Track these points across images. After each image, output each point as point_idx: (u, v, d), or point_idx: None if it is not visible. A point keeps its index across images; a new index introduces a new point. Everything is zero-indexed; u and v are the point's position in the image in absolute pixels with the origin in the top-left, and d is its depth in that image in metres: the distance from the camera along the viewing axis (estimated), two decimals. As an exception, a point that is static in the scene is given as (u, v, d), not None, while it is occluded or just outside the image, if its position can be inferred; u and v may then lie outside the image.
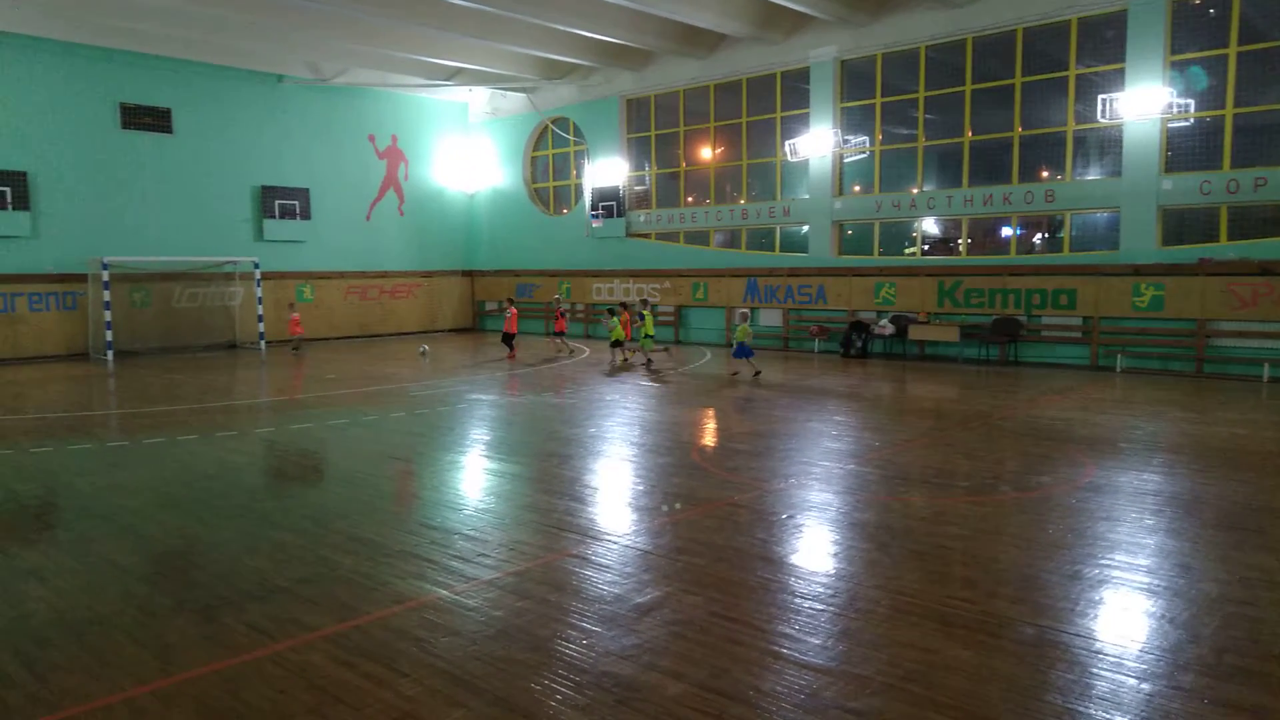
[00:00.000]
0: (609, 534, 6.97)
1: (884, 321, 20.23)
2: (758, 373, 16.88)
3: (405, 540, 6.85)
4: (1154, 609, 5.38)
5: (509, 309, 21.43)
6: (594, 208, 26.14)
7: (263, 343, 24.31)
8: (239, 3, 19.31)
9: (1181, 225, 17.15)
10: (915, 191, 20.48)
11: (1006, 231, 19.95)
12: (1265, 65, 15.84)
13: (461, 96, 29.40)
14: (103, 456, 10.27)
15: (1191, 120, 16.73)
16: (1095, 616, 5.33)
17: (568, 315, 19.99)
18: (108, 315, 21.62)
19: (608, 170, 25.97)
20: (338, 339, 26.24)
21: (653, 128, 25.39)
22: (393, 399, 14.46)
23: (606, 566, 6.18)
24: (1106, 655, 4.71)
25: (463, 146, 29.91)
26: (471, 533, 7.02)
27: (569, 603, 5.53)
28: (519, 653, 4.78)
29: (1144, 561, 6.22)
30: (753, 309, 23.08)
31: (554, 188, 28.62)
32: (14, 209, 20.84)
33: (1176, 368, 16.86)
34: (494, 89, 28.00)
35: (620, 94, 25.54)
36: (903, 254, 21.28)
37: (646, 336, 18.90)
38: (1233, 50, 15.93)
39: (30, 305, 21.48)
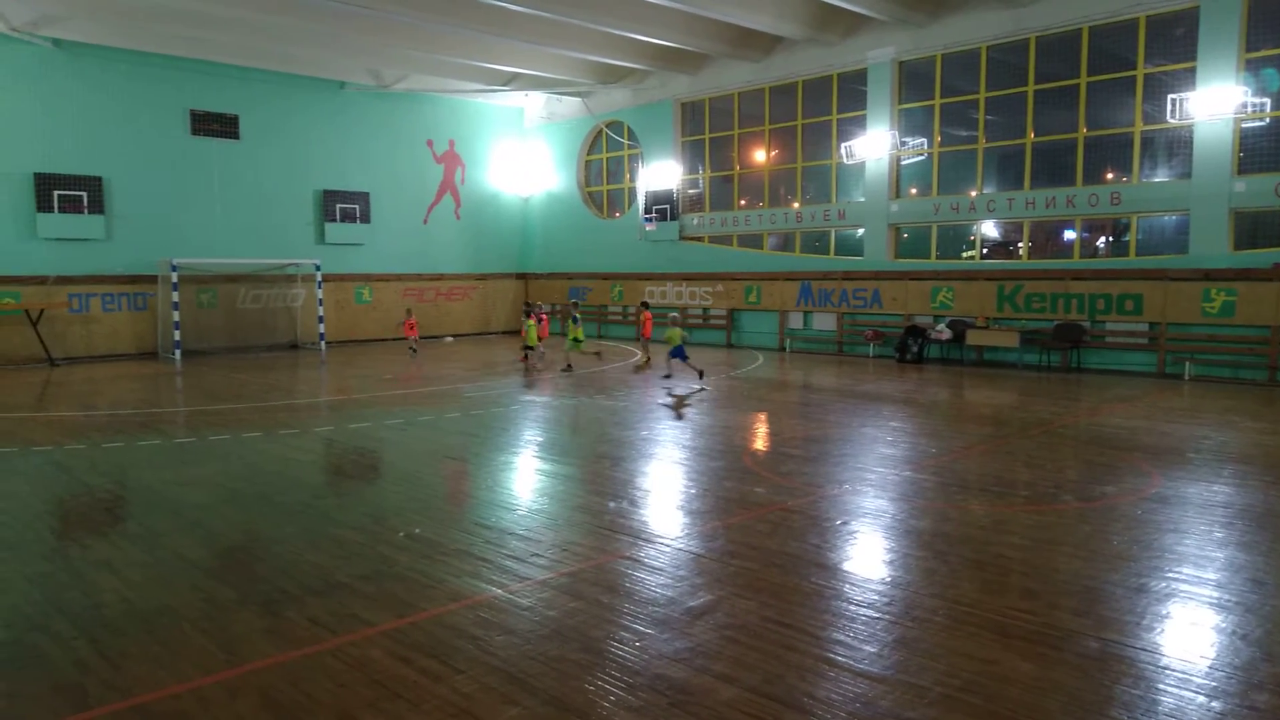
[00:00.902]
0: (661, 537, 6.98)
1: (941, 326, 19.89)
2: (700, 373, 16.68)
3: (461, 539, 6.94)
4: (1224, 624, 5.21)
5: (539, 316, 20.15)
6: (647, 211, 26.20)
7: (323, 343, 24.85)
8: (303, 12, 19.81)
9: (1255, 228, 16.55)
10: (974, 194, 20.10)
11: (1069, 235, 19.47)
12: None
13: (517, 101, 29.74)
14: (171, 452, 10.60)
15: (1267, 120, 16.14)
16: (1162, 631, 5.17)
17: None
18: (176, 315, 22.31)
19: (661, 174, 26.01)
20: (395, 340, 26.70)
21: (707, 130, 25.36)
22: (448, 400, 14.67)
23: (659, 569, 6.19)
24: (1173, 671, 4.57)
25: (518, 151, 30.24)
26: (525, 533, 7.09)
27: (621, 604, 5.56)
28: (572, 653, 4.82)
29: (1213, 575, 6.02)
30: (806, 312, 22.91)
31: (607, 191, 28.75)
32: (89, 213, 21.64)
33: (1248, 376, 16.27)
34: (549, 94, 28.27)
35: (674, 97, 25.57)
36: (961, 257, 20.90)
37: (574, 340, 18.52)
38: (1312, 46, 15.34)
39: (103, 306, 22.28)
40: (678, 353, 16.26)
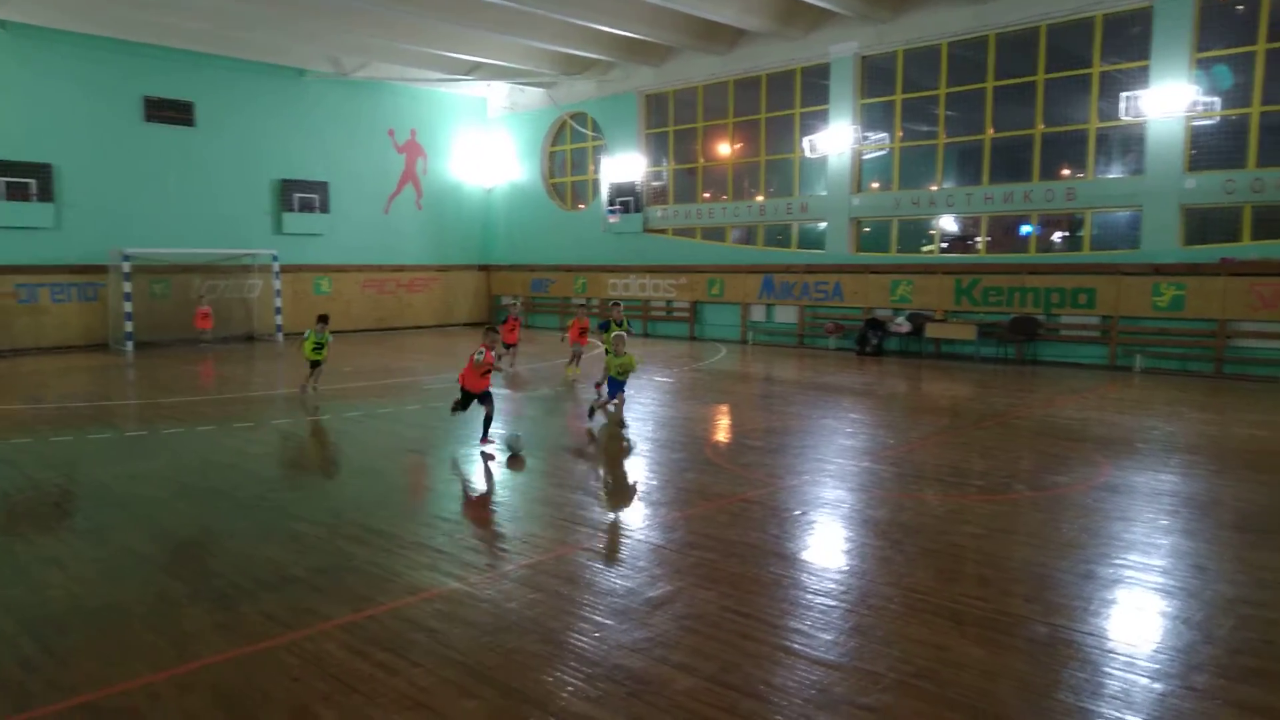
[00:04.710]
0: (621, 528, 6.99)
1: (900, 319, 20.13)
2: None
3: (419, 532, 6.89)
4: (1168, 609, 5.35)
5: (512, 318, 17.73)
6: (611, 203, 26.15)
7: (280, 335, 24.48)
8: (260, -3, 19.45)
9: (1204, 225, 16.96)
10: (934, 189, 20.35)
11: (1026, 229, 19.80)
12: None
13: (480, 91, 29.47)
14: (121, 446, 10.39)
15: (1217, 118, 16.53)
16: (1109, 616, 5.30)
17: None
18: (128, 306, 21.82)
19: (625, 166, 25.97)
20: (354, 332, 26.39)
21: (671, 123, 25.35)
22: (408, 392, 14.54)
23: (619, 560, 6.20)
24: (1119, 655, 4.69)
25: (481, 141, 29.99)
26: (484, 525, 7.06)
27: (581, 596, 5.56)
28: (531, 644, 4.81)
29: (1159, 562, 6.18)
30: (768, 305, 23.05)
31: (571, 183, 28.64)
32: (38, 200, 21.06)
33: (1196, 368, 16.69)
34: (513, 84, 28.06)
35: (639, 89, 25.52)
36: (920, 251, 21.16)
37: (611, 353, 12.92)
38: (1261, 48, 15.72)
39: (52, 296, 21.71)
40: (617, 387, 11.50)
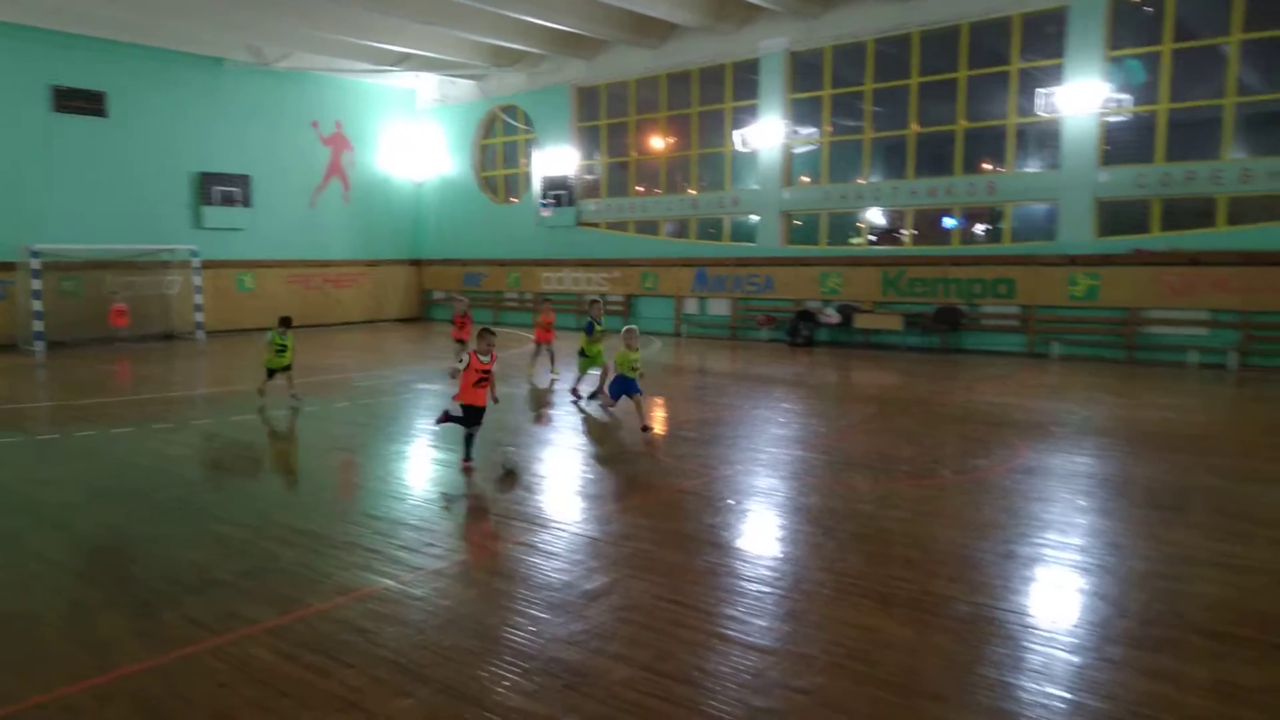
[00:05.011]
0: (556, 521, 6.98)
1: (830, 311, 20.49)
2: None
3: (350, 531, 6.76)
4: (1085, 585, 5.57)
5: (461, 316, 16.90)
6: (544, 196, 25.99)
7: (201, 333, 23.71)
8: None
9: (1116, 217, 17.66)
10: (862, 183, 20.76)
11: (950, 222, 20.33)
12: (1197, 63, 16.37)
13: (409, 83, 28.94)
14: (32, 450, 9.94)
15: (1128, 115, 17.23)
16: (1028, 593, 5.51)
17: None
18: (37, 305, 20.86)
19: (557, 159, 25.82)
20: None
21: (603, 117, 25.29)
22: (337, 390, 14.24)
23: (554, 554, 6.18)
24: (1039, 630, 4.87)
25: (410, 134, 29.47)
26: (417, 523, 6.96)
27: (516, 590, 5.53)
28: (466, 641, 4.77)
29: (1076, 540, 6.43)
30: (701, 298, 23.21)
31: (503, 176, 28.37)
32: (-64, 194, 19.97)
33: (1109, 355, 17.38)
34: (442, 75, 27.63)
35: (570, 82, 25.39)
36: (849, 244, 21.56)
37: (584, 355, 12.98)
38: (1168, 47, 16.42)
39: (-45, 295, 20.64)
40: (627, 387, 10.73)
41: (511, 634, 4.86)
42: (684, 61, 22.97)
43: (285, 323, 12.79)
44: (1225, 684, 4.21)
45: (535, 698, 4.16)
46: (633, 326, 10.84)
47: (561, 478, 8.66)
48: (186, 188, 24.29)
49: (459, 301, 17.65)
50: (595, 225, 25.57)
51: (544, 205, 25.96)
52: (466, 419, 8.67)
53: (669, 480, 8.24)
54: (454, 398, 8.89)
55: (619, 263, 24.84)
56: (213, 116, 24.61)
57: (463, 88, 28.00)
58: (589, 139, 25.79)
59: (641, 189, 25.05)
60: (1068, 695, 4.14)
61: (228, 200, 24.86)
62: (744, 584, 5.60)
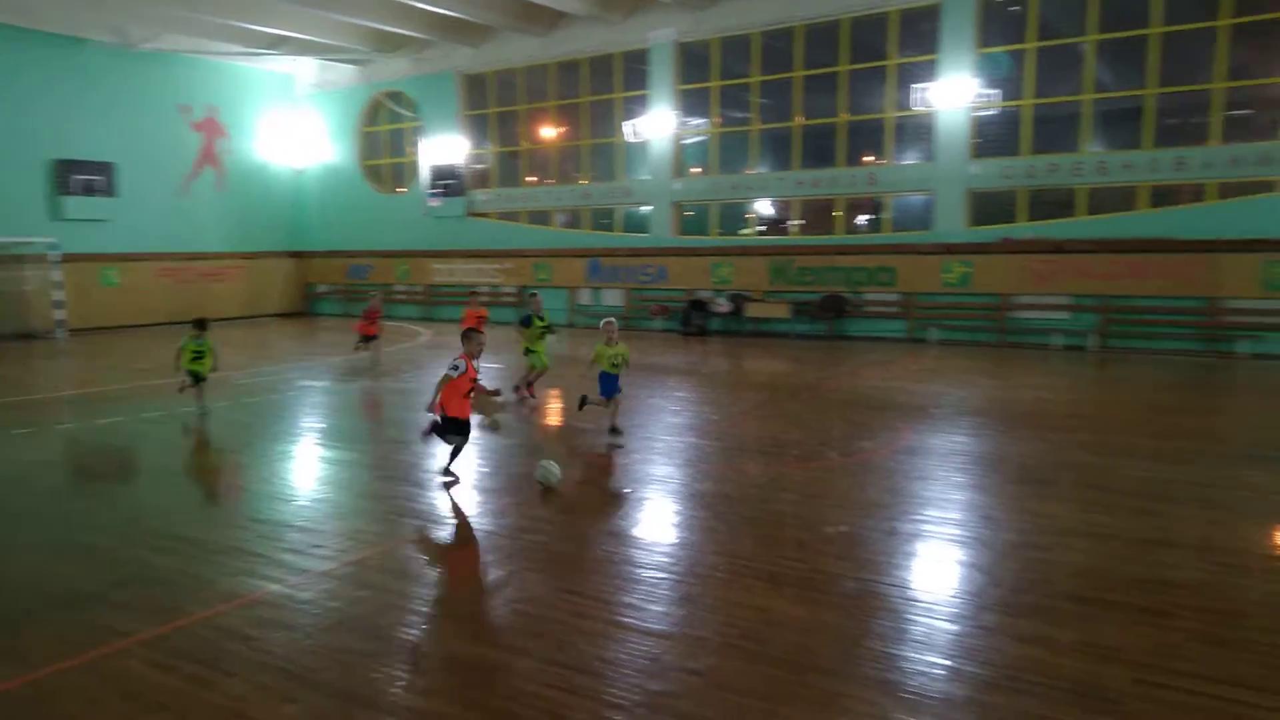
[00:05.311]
0: (452, 517, 6.87)
1: (721, 300, 20.84)
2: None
3: (232, 536, 6.48)
4: (962, 558, 5.87)
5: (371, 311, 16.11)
6: (432, 186, 25.44)
7: (62, 331, 22.20)
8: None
9: (987, 207, 18.59)
10: (750, 174, 21.16)
11: (835, 212, 20.97)
12: (1059, 61, 17.39)
13: (286, 67, 27.77)
14: None
15: (996, 110, 18.14)
16: (910, 568, 5.76)
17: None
18: (-128, 303, 19.12)
19: (446, 148, 25.30)
20: (150, 326, 24.33)
21: (492, 105, 24.92)
22: (215, 389, 13.57)
23: (450, 550, 6.09)
24: (921, 602, 5.10)
25: (289, 120, 28.30)
26: (305, 524, 6.73)
27: (411, 589, 5.43)
28: (358, 643, 4.65)
29: (954, 515, 6.76)
30: (595, 289, 23.22)
31: (390, 165, 27.60)
32: None
33: (983, 339, 18.30)
34: (322, 60, 26.64)
35: (457, 69, 24.90)
36: (739, 234, 21.96)
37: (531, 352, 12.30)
38: (1032, 45, 17.37)
39: None
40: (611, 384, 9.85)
41: (406, 633, 4.77)
42: (573, 50, 22.86)
43: (200, 325, 11.41)
44: (1092, 645, 4.51)
45: (432, 696, 4.10)
46: (611, 319, 9.91)
47: (455, 473, 8.51)
48: (42, 176, 22.65)
49: (373, 296, 16.96)
50: (486, 216, 25.21)
51: (432, 195, 25.42)
52: (454, 432, 7.67)
53: (566, 472, 8.21)
54: (434, 409, 7.65)
55: (511, 254, 24.58)
56: (72, 101, 23.02)
57: (344, 72, 27.08)
58: (478, 127, 25.38)
59: (534, 179, 24.83)
60: (948, 663, 4.35)
61: (89, 190, 23.32)
62: (641, 571, 5.65)
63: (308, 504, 7.36)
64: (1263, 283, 15.62)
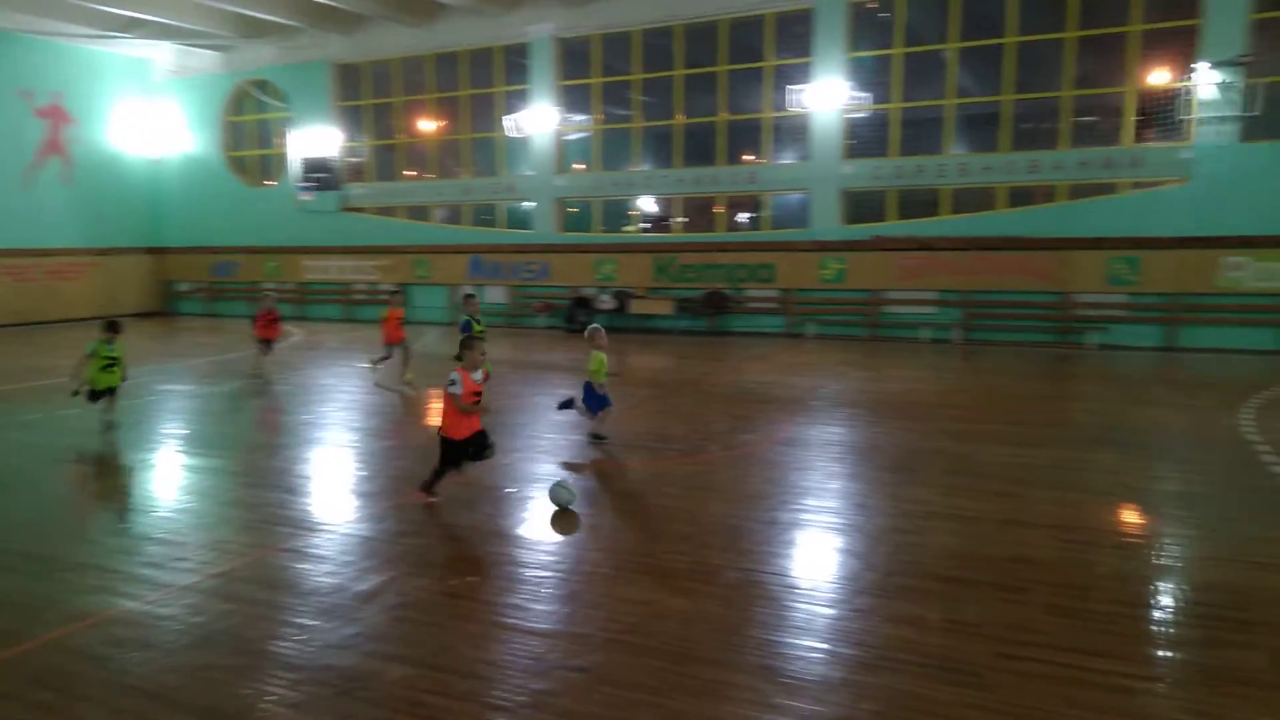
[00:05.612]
0: (326, 524, 6.61)
1: (605, 297, 20.89)
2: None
3: (83, 551, 6.04)
4: (838, 544, 6.07)
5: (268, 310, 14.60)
6: (303, 179, 24.41)
7: (-113, 334, 20.21)
8: None
9: (859, 206, 19.31)
10: (633, 170, 21.27)
11: (717, 210, 21.35)
12: (924, 66, 18.22)
13: (143, 52, 26.06)
14: None
15: (867, 112, 18.86)
16: (790, 556, 5.92)
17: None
18: None
19: (318, 139, 24.32)
20: (-8, 327, 22.46)
21: (367, 96, 24.14)
22: (61, 395, 12.63)
23: (324, 557, 5.86)
24: (799, 589, 5.25)
25: (145, 108, 26.59)
26: (165, 536, 6.34)
27: (281, 599, 5.19)
28: (224, 658, 4.41)
29: (830, 504, 6.99)
30: (478, 285, 22.86)
31: (257, 157, 26.34)
32: None
33: (856, 333, 19.01)
34: (180, 44, 25.14)
35: (329, 58, 23.97)
36: (622, 231, 22.05)
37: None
38: (899, 51, 18.13)
39: None
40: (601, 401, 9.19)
41: (276, 645, 4.55)
42: (451, 42, 22.39)
43: (112, 328, 10.00)
44: (956, 622, 4.73)
45: (305, 708, 3.93)
46: (598, 326, 9.43)
47: (331, 477, 8.22)
48: None
49: (267, 296, 15.53)
50: (361, 210, 24.42)
51: (304, 189, 24.38)
52: (458, 455, 6.87)
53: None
54: (441, 431, 6.90)
55: (389, 250, 23.89)
56: (-111, 79, 20.94)
57: (205, 59, 25.65)
58: (352, 119, 24.54)
59: (412, 173, 24.21)
60: (825, 646, 4.49)
61: (-86, 178, 21.28)
62: (524, 571, 5.59)
63: (168, 515, 6.94)
64: (1108, 278, 16.83)
